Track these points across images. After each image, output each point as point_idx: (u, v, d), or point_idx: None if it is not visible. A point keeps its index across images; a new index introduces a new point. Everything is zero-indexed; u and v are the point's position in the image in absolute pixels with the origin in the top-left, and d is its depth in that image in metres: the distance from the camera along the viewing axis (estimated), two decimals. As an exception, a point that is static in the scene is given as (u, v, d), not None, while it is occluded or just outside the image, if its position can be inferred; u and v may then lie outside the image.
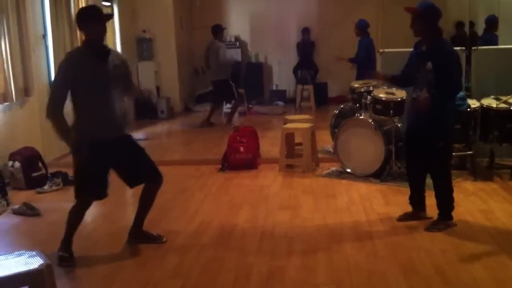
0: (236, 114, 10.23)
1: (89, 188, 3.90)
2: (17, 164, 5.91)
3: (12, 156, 6.01)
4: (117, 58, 4.01)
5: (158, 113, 10.68)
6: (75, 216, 3.99)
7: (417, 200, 4.56)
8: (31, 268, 2.71)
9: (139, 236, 4.23)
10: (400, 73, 4.57)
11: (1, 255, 2.92)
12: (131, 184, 4.14)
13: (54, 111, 3.76)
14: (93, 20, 3.80)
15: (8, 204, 5.25)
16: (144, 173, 4.08)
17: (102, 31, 3.87)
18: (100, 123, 3.84)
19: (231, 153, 6.54)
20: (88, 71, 3.78)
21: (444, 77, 4.11)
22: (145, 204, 4.19)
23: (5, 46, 6.05)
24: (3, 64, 6.08)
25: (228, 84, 9.50)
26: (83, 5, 7.92)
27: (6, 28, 6.02)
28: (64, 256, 3.88)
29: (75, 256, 3.92)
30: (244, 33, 12.46)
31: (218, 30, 9.60)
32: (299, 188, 5.67)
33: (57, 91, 3.81)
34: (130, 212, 4.67)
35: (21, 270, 2.69)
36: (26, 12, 6.46)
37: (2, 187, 5.51)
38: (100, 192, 3.96)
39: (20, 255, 2.88)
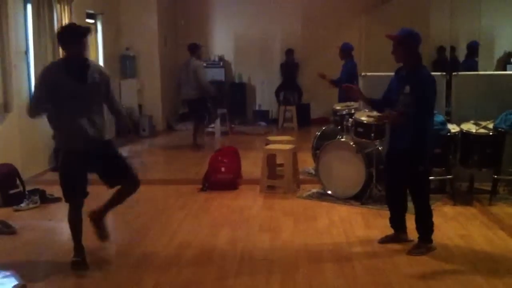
0: (218, 133, 10.21)
1: (71, 189, 4.07)
2: (-7, 180, 5.81)
3: (-11, 173, 5.91)
4: (97, 73, 4.13)
5: (140, 131, 10.61)
6: (73, 219, 4.12)
7: (397, 222, 4.58)
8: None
9: (100, 221, 4.32)
10: (380, 98, 4.61)
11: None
12: (110, 186, 4.27)
13: (31, 114, 4.12)
14: (72, 41, 3.97)
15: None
16: (120, 179, 4.21)
17: (81, 50, 4.02)
18: (73, 136, 4.00)
19: (212, 173, 6.50)
20: (63, 86, 3.93)
21: (420, 100, 4.19)
22: (114, 200, 4.30)
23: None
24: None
25: (203, 103, 9.40)
26: (66, 21, 7.90)
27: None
28: (77, 261, 4.03)
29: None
30: (228, 53, 12.50)
31: (195, 48, 9.47)
32: (280, 210, 5.65)
33: (34, 99, 4.14)
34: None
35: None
36: (8, 28, 6.41)
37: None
38: (82, 192, 4.10)
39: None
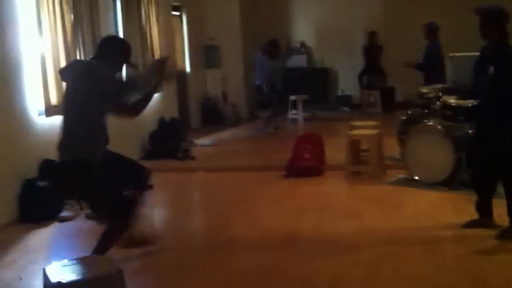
0: (301, 120, 10.29)
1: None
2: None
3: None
4: (79, 69, 3.84)
5: (224, 119, 10.83)
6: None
7: (484, 207, 4.42)
8: (103, 273, 2.82)
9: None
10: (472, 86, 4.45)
11: (74, 258, 3.04)
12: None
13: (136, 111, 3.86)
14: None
15: (81, 209, 5.47)
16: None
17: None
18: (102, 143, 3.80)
19: (296, 160, 6.54)
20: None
21: (506, 81, 4.02)
22: None
23: (79, 57, 6.31)
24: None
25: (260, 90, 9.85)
26: (153, 14, 8.19)
27: (81, 39, 6.27)
28: None
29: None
30: (309, 38, 12.45)
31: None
32: (365, 196, 5.60)
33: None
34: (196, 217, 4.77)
35: (94, 275, 2.80)
36: (99, 24, 6.72)
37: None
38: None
39: (92, 259, 3.00)
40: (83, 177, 3.62)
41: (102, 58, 3.79)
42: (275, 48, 9.92)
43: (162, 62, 4.08)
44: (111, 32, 7.31)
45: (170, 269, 3.99)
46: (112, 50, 3.85)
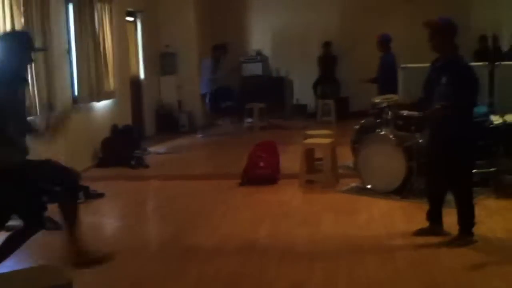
0: (256, 128, 10.36)
1: None
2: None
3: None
4: None
5: (179, 126, 10.75)
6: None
7: (435, 215, 4.53)
8: (53, 283, 2.73)
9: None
10: (422, 96, 4.56)
11: (22, 268, 2.94)
12: None
13: None
14: None
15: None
16: None
17: None
18: None
19: (251, 168, 6.54)
20: None
21: (460, 92, 4.13)
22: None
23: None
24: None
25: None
26: (107, 19, 8.07)
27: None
28: None
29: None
30: (265, 47, 12.50)
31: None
32: (319, 204, 5.64)
33: None
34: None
35: (44, 285, 2.71)
36: (50, 28, 6.57)
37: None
38: None
39: (43, 269, 2.91)
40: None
41: (8, 56, 3.71)
42: (220, 54, 10.05)
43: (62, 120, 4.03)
44: (63, 36, 7.16)
45: (122, 281, 3.90)
46: (13, 43, 3.76)
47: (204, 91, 10.39)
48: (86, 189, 6.05)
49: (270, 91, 12.12)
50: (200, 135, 10.27)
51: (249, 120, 10.79)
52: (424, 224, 4.62)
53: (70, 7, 7.30)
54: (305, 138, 6.86)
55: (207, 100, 10.29)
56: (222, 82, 10.46)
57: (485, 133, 5.40)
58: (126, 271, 4.04)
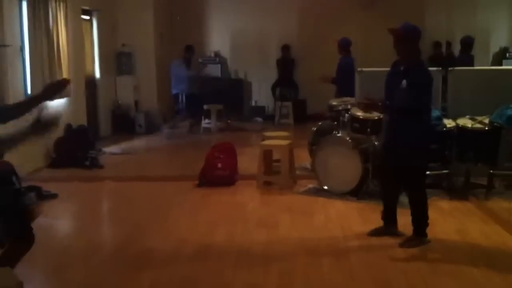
0: (214, 129, 10.35)
1: None
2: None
3: (-15, 170, 5.88)
4: None
5: (136, 127, 10.59)
6: None
7: (389, 215, 4.60)
8: (2, 285, 2.64)
9: None
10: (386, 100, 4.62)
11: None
12: None
13: None
14: None
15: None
16: None
17: None
18: None
19: (208, 169, 6.50)
20: None
21: (416, 95, 4.21)
22: None
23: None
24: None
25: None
26: (62, 17, 7.88)
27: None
28: None
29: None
30: (224, 49, 12.47)
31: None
32: (277, 206, 5.65)
33: None
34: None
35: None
36: (3, 24, 6.38)
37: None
38: None
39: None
40: None
41: None
42: (190, 54, 10.08)
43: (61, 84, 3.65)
44: (16, 34, 6.96)
45: (74, 286, 3.80)
46: None
47: (176, 92, 10.39)
48: (39, 189, 5.90)
49: (229, 92, 12.10)
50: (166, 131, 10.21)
51: (207, 121, 10.72)
52: (379, 224, 4.69)
53: (24, 4, 7.09)
54: (263, 140, 6.87)
55: (179, 100, 10.21)
56: (199, 82, 10.50)
57: (439, 136, 5.52)
58: (77, 275, 3.95)
